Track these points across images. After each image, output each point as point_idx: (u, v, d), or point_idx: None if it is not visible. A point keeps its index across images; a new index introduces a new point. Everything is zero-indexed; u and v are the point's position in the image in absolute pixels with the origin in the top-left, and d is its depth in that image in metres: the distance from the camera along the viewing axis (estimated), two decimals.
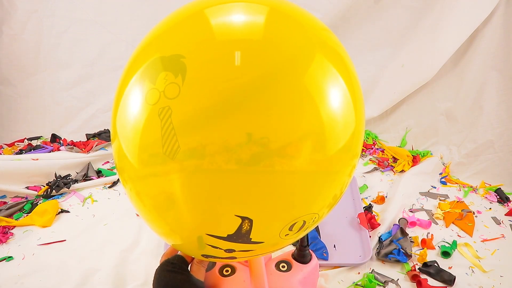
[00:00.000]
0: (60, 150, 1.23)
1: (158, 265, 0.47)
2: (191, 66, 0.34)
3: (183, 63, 0.34)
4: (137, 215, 0.96)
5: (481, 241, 0.87)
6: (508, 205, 1.00)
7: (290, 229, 0.40)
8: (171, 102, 0.33)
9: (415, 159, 1.17)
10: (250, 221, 0.37)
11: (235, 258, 0.43)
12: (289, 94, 0.34)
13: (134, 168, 0.37)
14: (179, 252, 0.49)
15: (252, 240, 0.39)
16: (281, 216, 0.38)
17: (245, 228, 0.37)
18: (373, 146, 1.28)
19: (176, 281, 0.45)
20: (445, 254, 0.82)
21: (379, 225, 0.90)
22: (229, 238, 0.38)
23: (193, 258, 0.48)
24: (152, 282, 0.46)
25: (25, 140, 1.32)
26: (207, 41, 0.35)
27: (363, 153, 1.25)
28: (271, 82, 0.34)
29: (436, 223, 0.93)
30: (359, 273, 0.78)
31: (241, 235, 0.38)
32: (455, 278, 0.75)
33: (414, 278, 0.76)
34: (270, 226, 0.39)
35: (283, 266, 0.60)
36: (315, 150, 0.36)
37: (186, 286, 0.45)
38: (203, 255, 0.43)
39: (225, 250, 0.41)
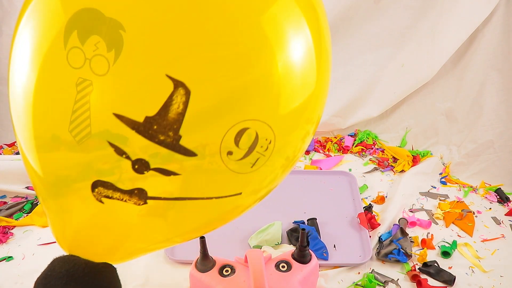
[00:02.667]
0: None
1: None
2: (129, 43, 0.26)
3: (120, 36, 0.26)
4: None
5: (481, 241, 0.87)
6: (508, 205, 1.00)
7: (236, 142, 0.30)
8: (95, 78, 0.26)
9: (415, 159, 1.17)
10: (187, 91, 0.26)
11: (143, 191, 0.29)
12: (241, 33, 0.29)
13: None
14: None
15: (183, 147, 0.27)
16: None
17: (176, 102, 0.26)
18: (373, 146, 1.28)
19: None
20: (445, 254, 0.82)
21: (379, 225, 0.90)
22: (146, 124, 0.27)
23: None
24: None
25: None
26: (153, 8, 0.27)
27: (363, 153, 1.25)
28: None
29: (436, 223, 0.93)
30: (359, 273, 0.78)
31: (169, 123, 0.26)
32: (455, 278, 0.75)
33: (414, 278, 0.76)
34: (208, 119, 0.28)
35: (283, 266, 0.60)
36: (266, 106, 0.31)
37: None
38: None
39: (133, 169, 0.28)
